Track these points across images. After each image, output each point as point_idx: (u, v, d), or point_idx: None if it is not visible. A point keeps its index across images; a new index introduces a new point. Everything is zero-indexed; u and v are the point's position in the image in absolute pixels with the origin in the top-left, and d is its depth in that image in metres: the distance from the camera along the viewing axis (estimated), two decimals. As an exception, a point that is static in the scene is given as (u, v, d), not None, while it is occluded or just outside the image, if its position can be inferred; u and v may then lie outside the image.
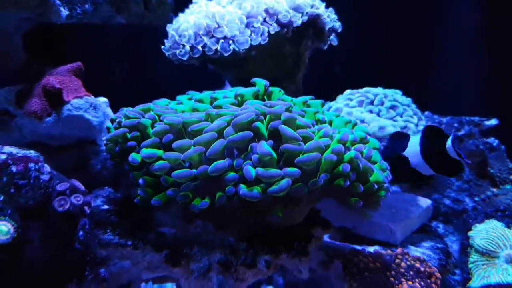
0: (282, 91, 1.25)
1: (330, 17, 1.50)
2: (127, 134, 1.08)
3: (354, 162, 1.01)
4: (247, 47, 1.32)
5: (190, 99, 1.23)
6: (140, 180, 1.03)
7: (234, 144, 0.99)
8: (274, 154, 0.98)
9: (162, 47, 1.49)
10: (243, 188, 0.96)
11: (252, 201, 0.96)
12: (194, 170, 0.98)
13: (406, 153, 1.36)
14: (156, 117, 1.09)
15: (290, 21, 1.38)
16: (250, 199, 0.95)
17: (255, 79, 1.22)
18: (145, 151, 1.01)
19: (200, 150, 0.98)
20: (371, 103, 1.50)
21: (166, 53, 1.48)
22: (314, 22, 1.45)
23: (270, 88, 1.23)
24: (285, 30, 1.39)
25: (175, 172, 0.97)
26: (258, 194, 0.95)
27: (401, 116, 1.47)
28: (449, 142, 1.28)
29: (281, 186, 0.95)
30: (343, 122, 1.17)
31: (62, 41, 1.73)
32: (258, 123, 1.01)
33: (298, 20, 1.37)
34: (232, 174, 0.97)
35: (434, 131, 1.33)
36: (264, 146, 0.97)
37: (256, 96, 1.20)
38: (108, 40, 1.95)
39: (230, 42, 1.32)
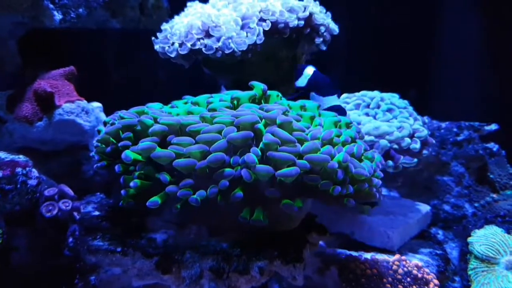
0: (280, 95, 1.23)
1: (324, 20, 1.47)
2: (120, 132, 1.06)
3: (342, 165, 0.99)
4: (245, 48, 1.30)
5: (186, 103, 1.21)
6: (132, 183, 1.00)
7: (234, 142, 0.97)
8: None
9: (153, 39, 1.46)
10: (257, 165, 0.93)
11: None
12: (196, 161, 0.96)
13: None
14: (153, 119, 1.07)
15: (285, 21, 1.36)
16: (262, 174, 0.93)
17: (253, 82, 1.20)
18: (143, 144, 0.98)
19: (203, 148, 0.96)
20: (368, 106, 1.49)
21: (155, 46, 1.44)
22: (308, 24, 1.43)
23: (268, 92, 1.21)
24: (281, 31, 1.37)
25: (176, 160, 0.95)
26: (271, 169, 0.93)
27: (397, 119, 1.46)
28: None
29: (291, 171, 0.93)
30: (332, 123, 1.14)
31: (57, 46, 1.72)
32: (260, 125, 1.00)
33: (293, 21, 1.35)
34: (229, 170, 0.95)
35: None
36: (271, 136, 0.97)
37: (252, 100, 1.18)
38: (104, 45, 1.94)
39: (229, 41, 1.30)
